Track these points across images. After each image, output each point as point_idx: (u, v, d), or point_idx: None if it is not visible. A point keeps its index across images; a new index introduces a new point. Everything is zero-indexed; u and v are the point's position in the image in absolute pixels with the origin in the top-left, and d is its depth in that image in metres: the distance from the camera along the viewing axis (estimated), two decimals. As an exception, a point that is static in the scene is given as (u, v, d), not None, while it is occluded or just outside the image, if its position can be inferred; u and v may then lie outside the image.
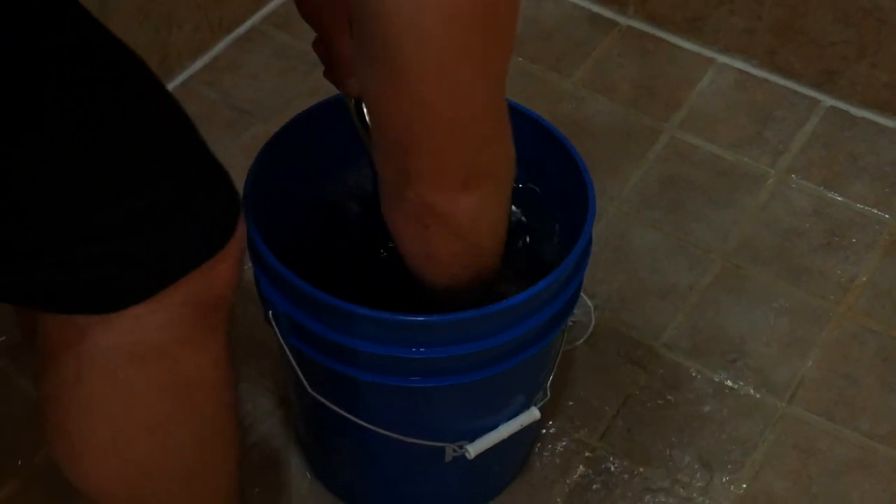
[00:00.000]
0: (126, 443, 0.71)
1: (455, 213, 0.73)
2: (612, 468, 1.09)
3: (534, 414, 0.92)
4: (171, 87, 1.40)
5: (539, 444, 1.10)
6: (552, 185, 0.95)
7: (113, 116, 0.61)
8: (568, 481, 1.08)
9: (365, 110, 0.84)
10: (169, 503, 0.77)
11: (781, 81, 1.43)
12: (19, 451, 1.08)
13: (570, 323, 1.19)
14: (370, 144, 0.86)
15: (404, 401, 0.88)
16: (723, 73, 1.45)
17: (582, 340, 1.18)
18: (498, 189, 0.75)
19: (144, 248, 0.63)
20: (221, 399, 0.75)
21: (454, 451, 0.90)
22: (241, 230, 0.69)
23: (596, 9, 1.52)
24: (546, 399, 0.94)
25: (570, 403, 1.13)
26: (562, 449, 1.10)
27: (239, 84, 1.42)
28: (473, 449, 0.89)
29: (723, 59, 1.46)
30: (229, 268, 0.68)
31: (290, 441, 1.10)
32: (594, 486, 1.08)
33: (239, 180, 0.87)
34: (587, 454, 1.10)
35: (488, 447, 0.90)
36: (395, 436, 0.88)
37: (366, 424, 0.88)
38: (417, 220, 0.74)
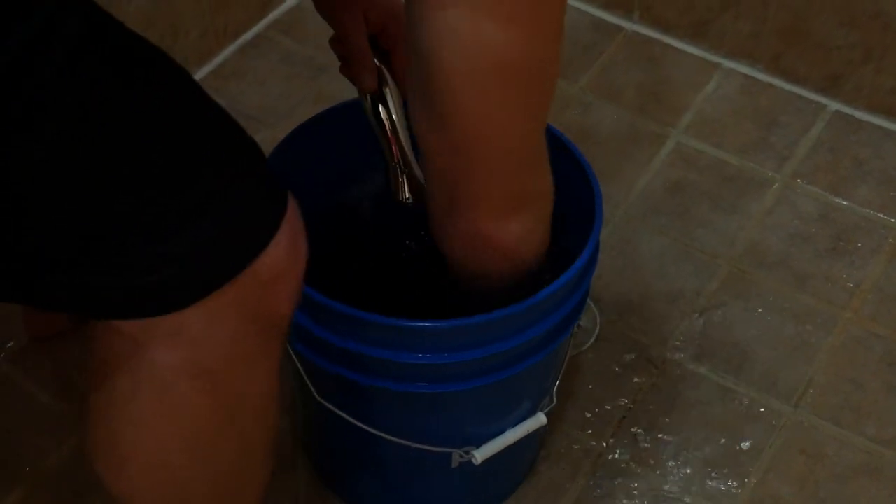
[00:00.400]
0: (170, 455, 0.71)
1: (504, 238, 0.78)
2: (619, 473, 1.09)
3: (540, 419, 0.92)
4: (177, 93, 1.41)
5: (547, 450, 1.10)
6: (560, 191, 0.95)
7: (148, 115, 0.61)
8: (575, 486, 1.08)
9: (381, 108, 0.87)
10: None
11: (787, 86, 1.43)
12: (27, 457, 1.08)
13: (577, 328, 1.19)
14: (384, 142, 0.88)
15: (410, 406, 0.88)
16: (728, 78, 1.45)
17: (588, 345, 1.18)
18: (541, 213, 0.81)
19: (193, 246, 0.62)
20: (264, 419, 0.75)
21: (461, 456, 0.90)
22: (303, 250, 0.68)
23: (601, 14, 1.52)
24: (552, 405, 0.94)
25: (578, 408, 1.13)
26: (569, 454, 1.10)
27: (245, 90, 1.43)
28: (480, 455, 0.89)
29: (728, 64, 1.46)
30: (290, 287, 0.67)
31: (298, 446, 1.10)
32: (601, 492, 1.08)
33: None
34: (594, 459, 1.10)
35: (495, 453, 0.90)
36: (401, 441, 0.88)
37: (372, 430, 0.88)
38: (469, 244, 0.79)
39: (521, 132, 0.74)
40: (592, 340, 1.19)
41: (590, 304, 1.21)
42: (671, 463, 1.10)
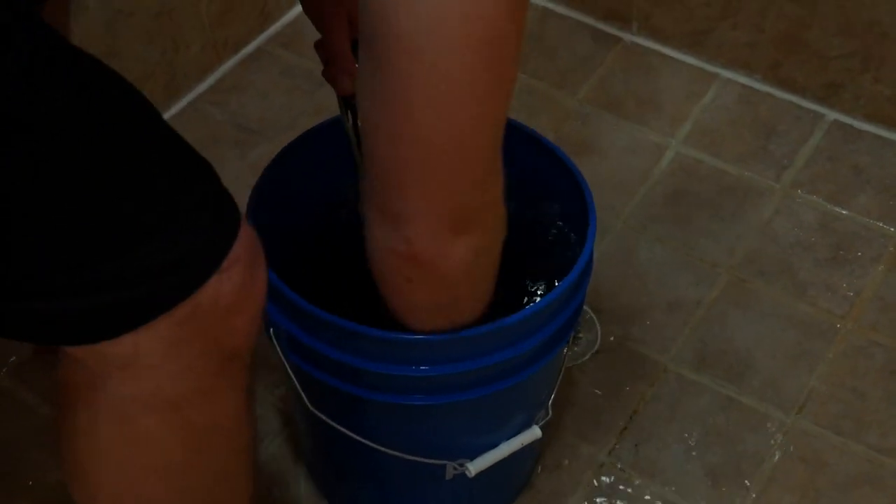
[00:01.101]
0: (139, 487, 0.71)
1: (443, 261, 0.69)
2: (621, 483, 1.09)
3: (535, 433, 0.92)
4: (177, 107, 1.41)
5: (547, 461, 1.10)
6: (555, 204, 0.96)
7: (99, 132, 0.58)
8: (576, 497, 1.08)
9: (358, 119, 0.79)
10: None
11: (785, 96, 1.44)
12: (29, 470, 1.09)
13: (578, 338, 1.19)
14: (357, 151, 0.84)
15: (404, 418, 0.88)
16: (726, 87, 1.45)
17: (589, 356, 1.19)
18: (487, 241, 0.72)
19: (138, 268, 0.59)
20: (237, 445, 0.74)
21: (455, 468, 0.90)
22: (262, 282, 0.66)
23: (600, 25, 1.53)
24: (548, 417, 0.94)
25: (578, 419, 1.13)
26: (570, 465, 1.10)
27: (245, 104, 1.43)
28: (474, 467, 0.89)
29: (726, 73, 1.47)
30: (247, 319, 0.66)
31: (299, 457, 1.10)
32: (602, 502, 1.08)
33: (246, 199, 0.88)
34: (595, 470, 1.10)
35: (489, 465, 0.90)
36: (395, 453, 0.88)
37: (366, 441, 0.88)
38: (402, 266, 0.70)
39: (477, 129, 0.64)
40: (593, 351, 1.19)
41: (590, 314, 1.22)
42: (672, 473, 1.10)
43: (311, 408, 0.88)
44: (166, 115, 1.37)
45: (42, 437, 1.11)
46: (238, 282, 0.63)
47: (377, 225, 0.69)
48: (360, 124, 0.68)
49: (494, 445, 0.90)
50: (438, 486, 0.93)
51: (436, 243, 0.68)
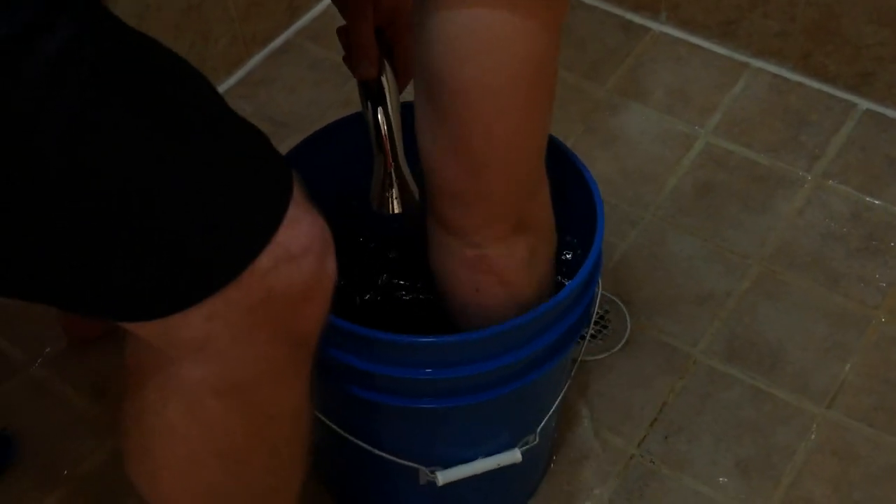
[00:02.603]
0: (200, 468, 0.72)
1: (507, 260, 0.77)
2: (650, 475, 1.09)
3: (515, 456, 0.89)
4: (207, 101, 1.42)
5: (576, 451, 1.10)
6: (570, 205, 0.93)
7: (160, 108, 0.59)
8: (606, 488, 1.08)
9: (379, 112, 0.83)
10: None
11: (816, 85, 1.42)
12: (64, 460, 1.10)
13: (603, 331, 1.19)
14: (377, 142, 0.84)
15: (383, 416, 0.87)
16: (757, 77, 1.44)
17: (618, 347, 1.18)
18: (541, 238, 0.80)
19: (196, 239, 0.61)
20: (296, 433, 0.75)
21: (427, 475, 0.89)
22: (332, 271, 0.67)
23: (629, 15, 1.52)
24: (534, 444, 0.91)
25: (608, 410, 1.13)
26: (599, 456, 1.10)
27: (274, 97, 1.44)
28: (443, 477, 0.88)
29: (757, 63, 1.45)
30: (317, 307, 0.67)
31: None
32: (632, 494, 1.08)
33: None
34: (625, 462, 1.10)
35: (459, 478, 0.89)
36: (372, 450, 0.88)
37: (344, 434, 0.88)
38: (471, 277, 0.78)
39: (530, 143, 0.73)
40: (623, 342, 1.19)
41: (619, 305, 1.21)
42: (702, 465, 1.09)
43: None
44: (196, 109, 1.38)
45: (76, 427, 1.12)
46: (309, 270, 0.65)
47: (446, 240, 0.77)
48: (421, 156, 0.74)
49: (470, 460, 0.89)
50: (413, 489, 0.92)
51: (500, 244, 0.76)
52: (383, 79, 0.83)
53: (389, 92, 0.83)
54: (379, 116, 0.83)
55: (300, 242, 0.64)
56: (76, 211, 0.57)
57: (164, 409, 0.69)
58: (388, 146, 0.83)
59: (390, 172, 0.84)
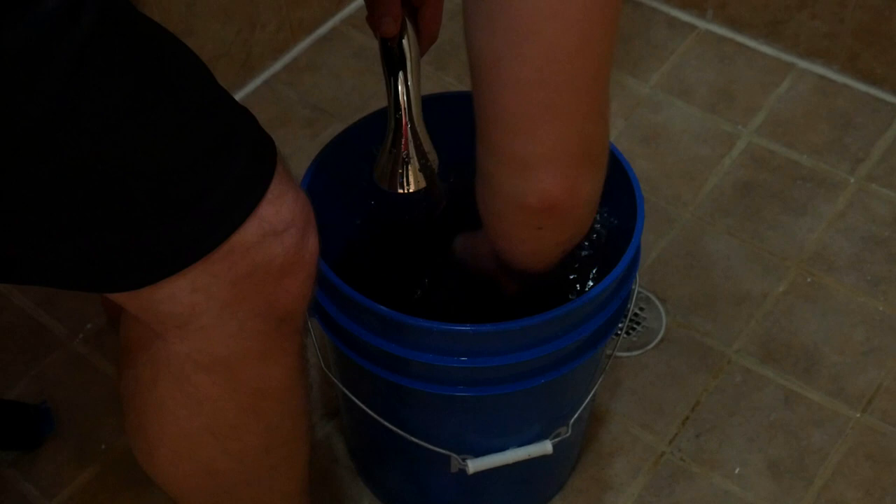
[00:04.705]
0: (193, 445, 0.73)
1: (575, 199, 0.70)
2: (681, 473, 1.09)
3: (546, 447, 0.89)
4: (252, 86, 1.43)
5: (608, 446, 1.10)
6: (610, 200, 0.92)
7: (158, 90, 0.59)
8: (636, 484, 1.08)
9: (399, 82, 0.79)
10: (234, 502, 0.79)
11: (863, 87, 1.41)
12: (103, 435, 1.12)
13: (636, 327, 1.19)
14: (392, 96, 0.81)
15: (417, 403, 0.88)
16: (802, 78, 1.43)
17: (653, 345, 1.18)
18: (603, 174, 0.72)
19: (175, 209, 0.61)
20: (290, 408, 0.75)
21: (459, 462, 0.90)
22: (313, 245, 0.68)
23: (674, 13, 1.51)
24: (566, 436, 0.91)
25: (640, 407, 1.13)
26: (630, 452, 1.10)
27: (318, 84, 1.45)
28: (473, 465, 0.88)
29: (803, 63, 1.44)
30: (299, 281, 0.67)
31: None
32: (662, 491, 1.08)
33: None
34: (656, 459, 1.10)
35: (489, 467, 0.89)
36: (405, 435, 0.88)
37: (378, 418, 0.89)
38: (534, 217, 0.71)
39: (599, 55, 0.65)
40: (658, 340, 1.19)
41: (655, 302, 1.21)
42: (733, 465, 1.09)
43: (327, 371, 0.91)
44: (241, 94, 1.40)
45: (115, 403, 1.13)
46: (291, 244, 0.65)
47: (504, 177, 0.70)
48: (472, 83, 0.68)
49: (501, 450, 0.89)
50: (444, 476, 0.93)
51: (568, 182, 0.68)
52: (405, 42, 0.80)
53: (411, 58, 0.80)
54: (399, 83, 0.79)
55: (283, 217, 0.64)
56: (58, 175, 0.57)
57: (155, 386, 0.70)
58: (405, 115, 0.79)
59: (406, 144, 0.80)
